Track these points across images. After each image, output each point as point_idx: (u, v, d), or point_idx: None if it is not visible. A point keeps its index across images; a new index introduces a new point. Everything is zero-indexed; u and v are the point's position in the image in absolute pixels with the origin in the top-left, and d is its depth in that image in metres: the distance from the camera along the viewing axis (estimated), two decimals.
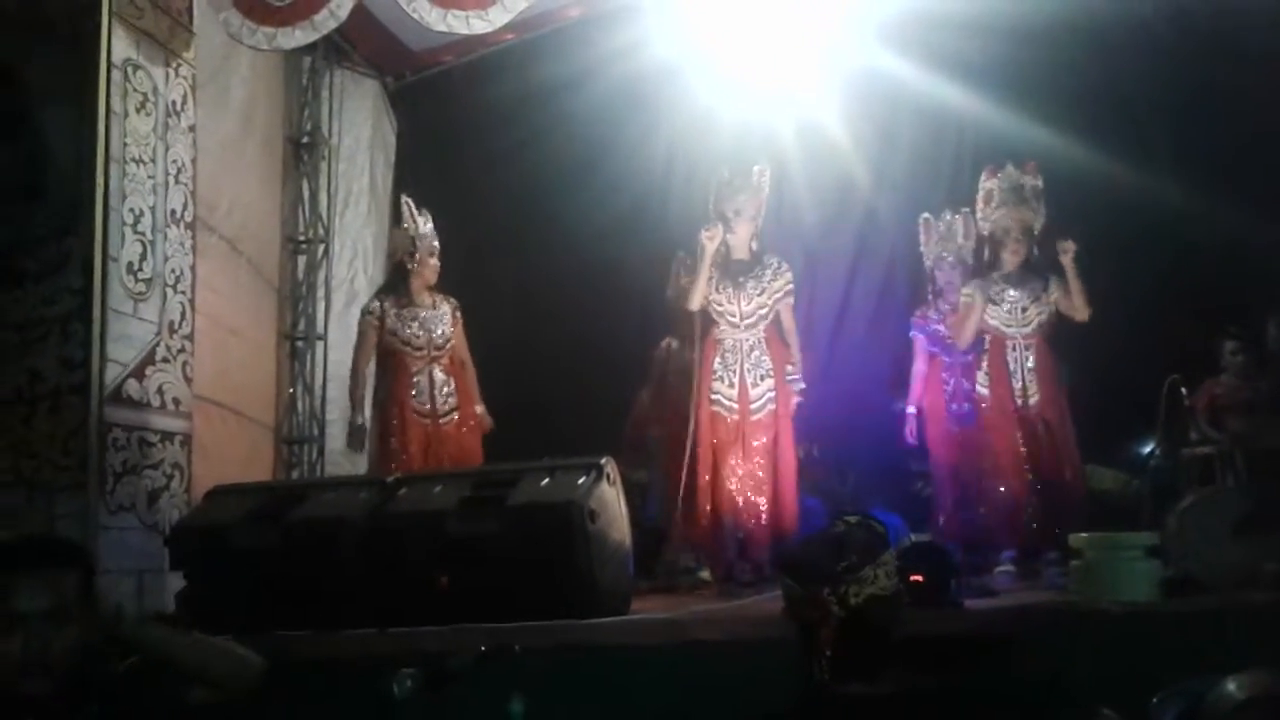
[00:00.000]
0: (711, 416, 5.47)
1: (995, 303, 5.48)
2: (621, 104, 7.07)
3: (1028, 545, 5.28)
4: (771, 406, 5.47)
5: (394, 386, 5.73)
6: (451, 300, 5.90)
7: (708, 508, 5.41)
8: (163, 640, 2.35)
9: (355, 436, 5.93)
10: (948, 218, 6.00)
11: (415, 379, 5.71)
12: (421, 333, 5.74)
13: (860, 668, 1.99)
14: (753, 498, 5.38)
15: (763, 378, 5.50)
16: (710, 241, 5.46)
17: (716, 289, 5.54)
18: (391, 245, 6.22)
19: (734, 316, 5.54)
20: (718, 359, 5.53)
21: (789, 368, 5.57)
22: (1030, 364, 5.41)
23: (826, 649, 2.01)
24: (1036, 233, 5.51)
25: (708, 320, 5.58)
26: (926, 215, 6.10)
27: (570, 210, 5.96)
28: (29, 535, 2.70)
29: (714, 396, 5.48)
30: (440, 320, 5.80)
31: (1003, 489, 5.32)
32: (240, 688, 2.32)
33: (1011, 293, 5.47)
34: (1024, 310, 5.46)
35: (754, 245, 5.63)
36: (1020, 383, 5.40)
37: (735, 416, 5.45)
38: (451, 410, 5.76)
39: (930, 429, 5.88)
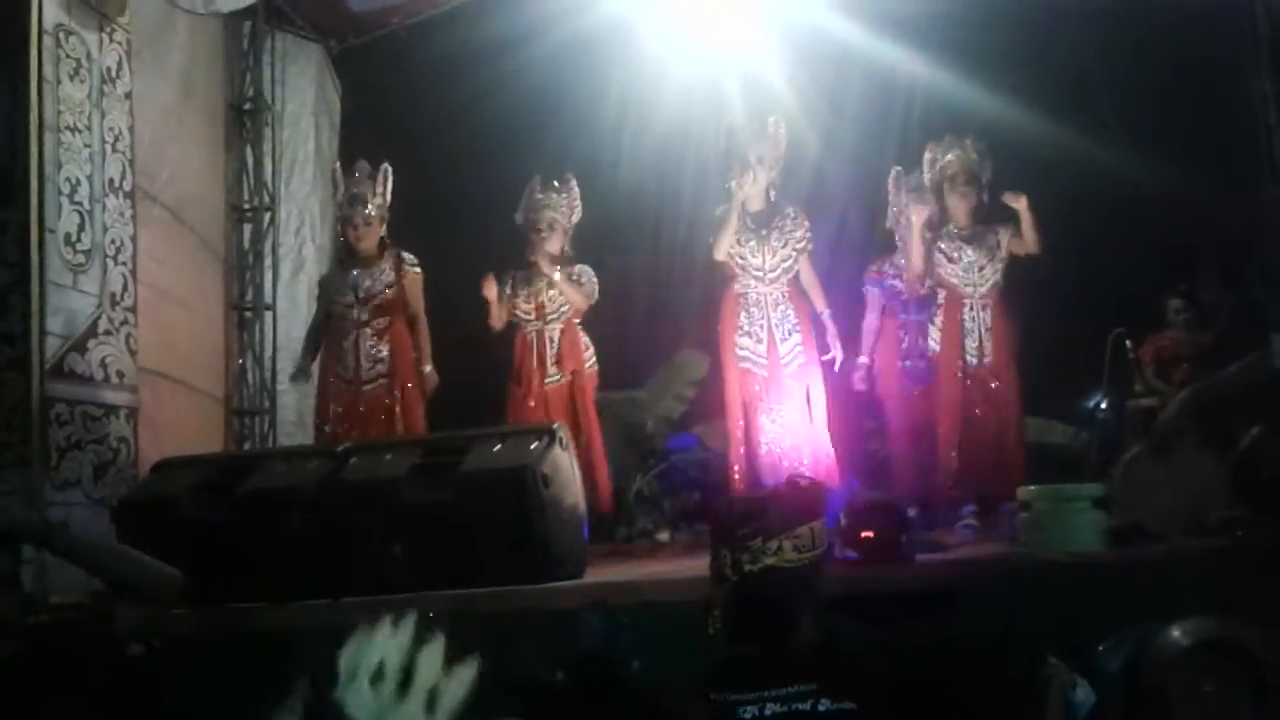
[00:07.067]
0: (741, 374, 5.39)
1: (952, 260, 5.47)
2: (571, 61, 6.98)
3: (959, 502, 5.31)
4: (801, 360, 5.40)
5: (326, 352, 5.77)
6: (400, 255, 5.75)
7: (740, 467, 5.33)
8: (91, 551, 2.50)
9: (300, 372, 6.00)
10: (916, 175, 5.94)
11: (344, 344, 5.67)
12: (349, 290, 5.67)
13: (753, 632, 2.00)
14: (790, 453, 5.28)
15: (790, 332, 5.42)
16: (740, 189, 5.37)
17: (738, 241, 5.41)
18: None
19: (759, 270, 5.46)
20: (742, 314, 5.44)
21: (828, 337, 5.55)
22: (988, 324, 5.40)
23: (715, 608, 2.03)
24: (984, 182, 5.48)
25: (726, 274, 5.47)
26: (898, 169, 6.01)
27: (521, 169, 5.92)
28: None
29: (741, 353, 5.39)
30: (373, 276, 5.68)
31: (945, 446, 5.34)
32: (160, 598, 2.46)
33: (968, 250, 5.44)
34: (980, 269, 5.43)
35: (771, 195, 5.53)
36: (977, 341, 5.40)
37: (765, 373, 5.36)
38: (378, 377, 5.64)
39: (884, 386, 5.90)
